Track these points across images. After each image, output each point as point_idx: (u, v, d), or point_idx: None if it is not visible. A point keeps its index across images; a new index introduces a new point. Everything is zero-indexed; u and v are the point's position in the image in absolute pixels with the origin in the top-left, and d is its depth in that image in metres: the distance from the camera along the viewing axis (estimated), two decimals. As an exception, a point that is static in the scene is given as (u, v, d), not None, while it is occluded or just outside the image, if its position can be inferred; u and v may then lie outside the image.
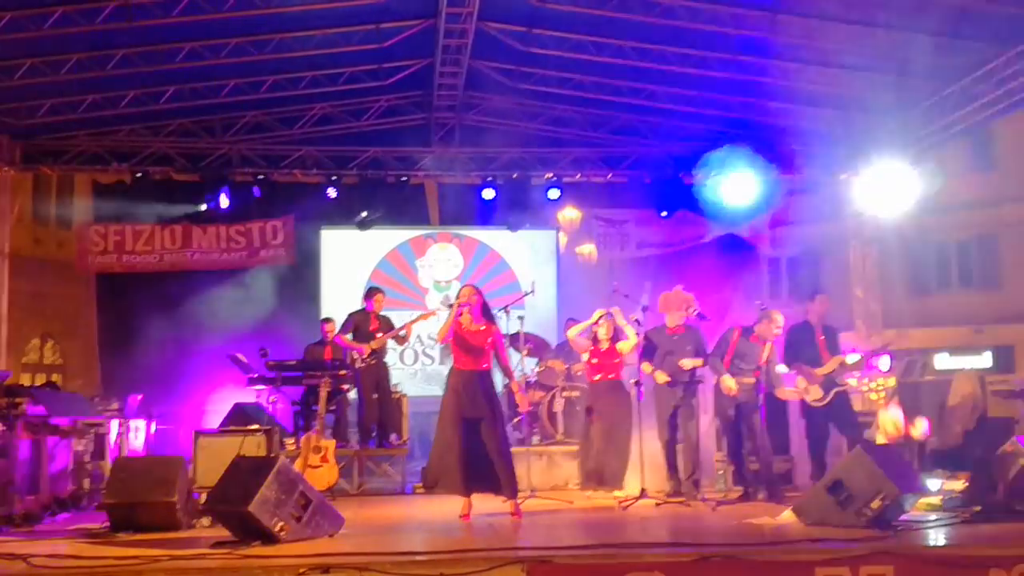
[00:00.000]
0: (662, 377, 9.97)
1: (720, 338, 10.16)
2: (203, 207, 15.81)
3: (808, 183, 16.63)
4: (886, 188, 14.46)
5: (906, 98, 13.46)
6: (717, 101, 14.45)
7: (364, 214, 16.27)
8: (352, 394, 12.35)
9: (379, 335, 12.12)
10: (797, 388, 10.27)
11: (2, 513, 8.53)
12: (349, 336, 12.15)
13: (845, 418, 10.29)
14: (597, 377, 10.40)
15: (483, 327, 8.69)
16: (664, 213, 16.16)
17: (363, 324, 12.23)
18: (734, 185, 15.34)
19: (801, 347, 10.31)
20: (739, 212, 15.81)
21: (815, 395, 10.10)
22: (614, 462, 10.02)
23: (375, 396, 12.16)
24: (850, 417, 10.35)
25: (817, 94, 13.76)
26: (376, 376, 12.16)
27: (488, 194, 15.82)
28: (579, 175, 16.14)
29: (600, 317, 10.46)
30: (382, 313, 12.41)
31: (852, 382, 11.04)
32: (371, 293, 12.54)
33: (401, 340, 12.52)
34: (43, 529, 8.39)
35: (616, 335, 10.46)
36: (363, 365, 11.97)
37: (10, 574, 5.70)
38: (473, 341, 8.64)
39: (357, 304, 12.64)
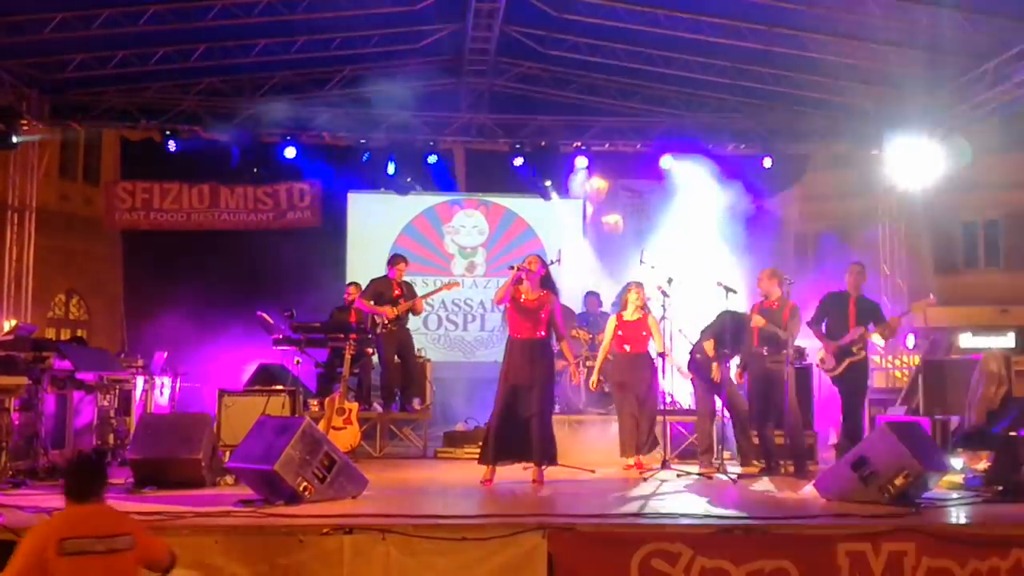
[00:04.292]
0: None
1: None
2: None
3: (838, 158, 16.53)
4: (915, 164, 14.39)
5: (939, 75, 13.34)
6: (750, 72, 14.32)
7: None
8: (376, 358, 12.38)
9: (401, 301, 12.14)
10: (817, 358, 10.22)
11: (27, 466, 8.63)
12: (371, 302, 12.16)
13: (849, 389, 10.17)
14: (627, 348, 10.30)
15: (539, 295, 8.76)
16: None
17: (385, 291, 12.21)
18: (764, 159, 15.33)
19: (831, 313, 10.20)
20: (768, 186, 15.74)
21: (828, 365, 10.05)
22: (646, 431, 10.01)
23: (397, 361, 12.19)
24: (854, 389, 10.19)
25: (850, 68, 13.65)
26: (399, 341, 12.18)
27: (516, 162, 15.83)
28: (608, 144, 16.07)
29: (631, 288, 10.42)
30: (404, 280, 12.41)
31: (876, 359, 10.92)
32: (394, 261, 12.50)
33: (416, 311, 12.50)
34: (68, 483, 8.45)
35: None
36: (383, 331, 11.98)
37: (34, 527, 5.74)
38: (529, 307, 8.74)
39: (383, 268, 12.64)
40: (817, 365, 10.39)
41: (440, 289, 13.19)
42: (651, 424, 10.11)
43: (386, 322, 11.96)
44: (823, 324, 10.31)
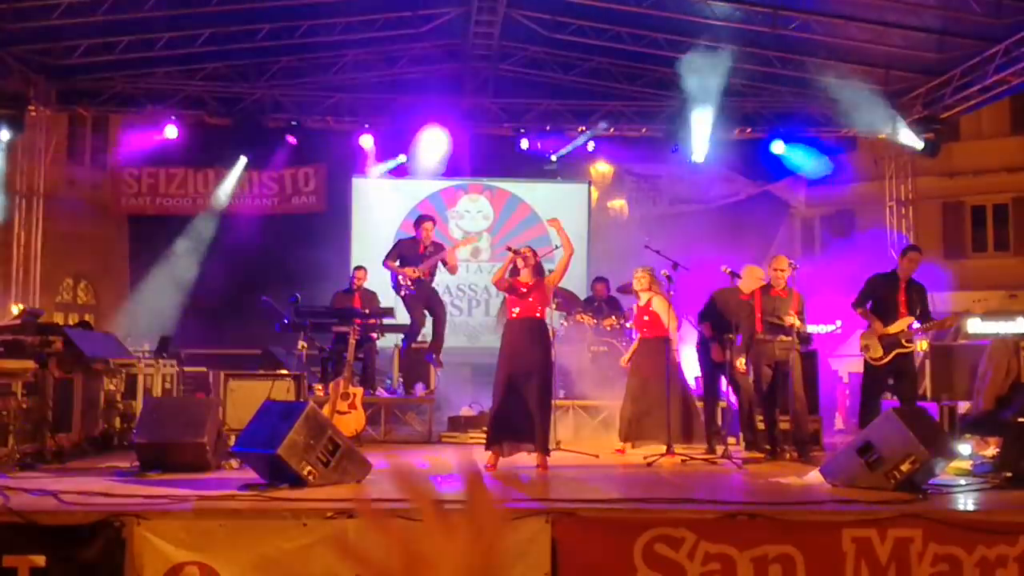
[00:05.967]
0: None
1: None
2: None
3: (845, 142, 16.45)
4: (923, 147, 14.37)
5: (948, 57, 13.27)
6: (756, 56, 14.25)
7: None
8: (381, 342, 12.38)
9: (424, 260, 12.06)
10: (861, 344, 10.07)
11: (34, 449, 8.63)
12: (396, 263, 12.07)
13: (901, 382, 9.95)
14: (641, 333, 10.21)
15: (536, 279, 8.80)
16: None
17: (411, 252, 12.11)
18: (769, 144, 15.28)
19: (879, 296, 10.03)
20: (774, 170, 15.69)
21: (875, 352, 9.86)
22: (691, 420, 9.87)
23: (427, 314, 12.15)
24: (907, 382, 9.96)
25: (858, 51, 13.58)
26: (425, 299, 12.10)
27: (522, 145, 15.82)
28: (613, 129, 16.01)
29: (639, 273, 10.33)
30: (434, 240, 12.32)
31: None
32: (420, 221, 12.37)
33: (448, 265, 12.34)
34: (74, 466, 8.47)
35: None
36: (406, 293, 11.93)
37: (41, 509, 5.76)
38: (527, 289, 8.76)
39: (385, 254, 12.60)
40: (860, 351, 10.18)
41: (460, 244, 13.77)
42: (689, 410, 9.99)
43: (409, 283, 11.88)
44: (868, 305, 10.12)
